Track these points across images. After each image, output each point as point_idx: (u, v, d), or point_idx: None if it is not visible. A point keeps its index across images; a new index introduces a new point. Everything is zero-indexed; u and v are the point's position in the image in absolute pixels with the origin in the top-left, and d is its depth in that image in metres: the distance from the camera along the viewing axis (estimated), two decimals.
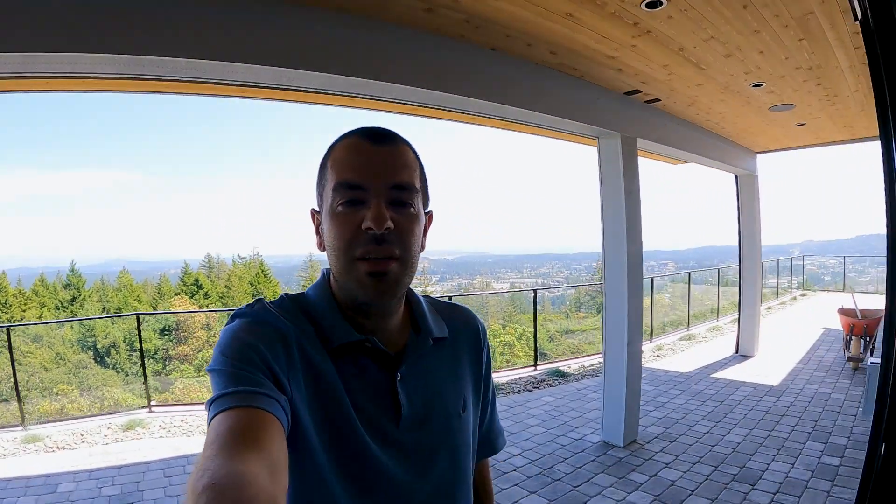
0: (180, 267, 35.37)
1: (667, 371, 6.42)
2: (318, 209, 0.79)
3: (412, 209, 0.74)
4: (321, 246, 0.78)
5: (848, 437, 4.13)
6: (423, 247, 0.79)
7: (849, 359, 5.90)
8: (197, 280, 34.90)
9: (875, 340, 5.85)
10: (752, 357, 6.89)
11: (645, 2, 2.48)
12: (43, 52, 1.82)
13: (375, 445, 0.73)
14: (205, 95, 2.91)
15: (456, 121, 4.17)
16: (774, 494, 3.32)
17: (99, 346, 20.60)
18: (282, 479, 0.56)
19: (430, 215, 0.82)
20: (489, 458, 1.03)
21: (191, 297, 32.33)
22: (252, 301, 0.77)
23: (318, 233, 0.80)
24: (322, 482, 0.71)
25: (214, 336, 24.46)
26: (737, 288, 11.10)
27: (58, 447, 4.30)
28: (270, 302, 0.78)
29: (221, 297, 34.93)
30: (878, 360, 2.76)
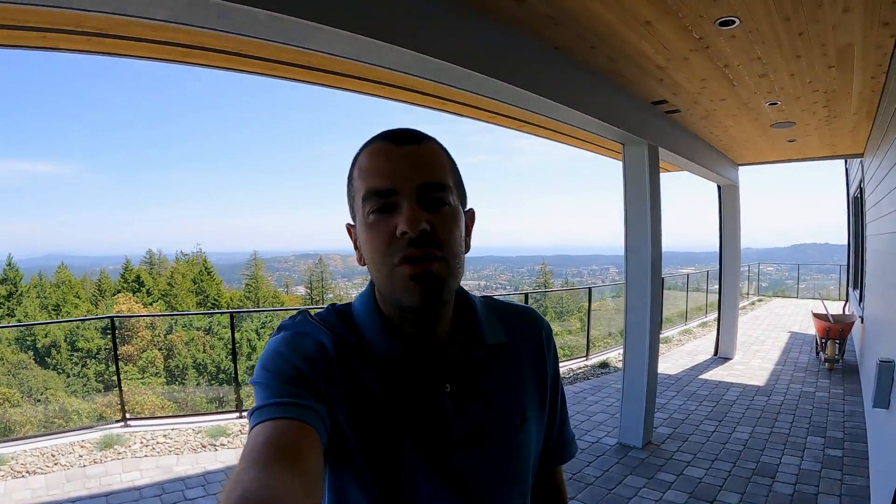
0: (121, 263, 33.62)
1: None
2: (352, 223, 0.76)
3: (447, 207, 0.70)
4: (361, 260, 0.74)
5: (843, 431, 4.46)
6: (467, 247, 0.75)
7: (825, 360, 6.33)
8: (139, 277, 33.49)
9: (846, 343, 6.31)
10: (731, 359, 7.26)
11: (720, 20, 2.58)
12: None
13: (424, 462, 0.71)
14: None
15: (494, 123, 4.21)
16: (795, 485, 3.54)
17: (39, 346, 19.24)
18: (316, 492, 0.56)
19: (470, 213, 0.78)
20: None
21: (133, 295, 30.78)
22: (296, 313, 0.77)
23: (356, 247, 0.76)
24: (366, 497, 0.70)
25: (158, 335, 23.36)
26: (697, 293, 11.79)
27: (28, 471, 3.78)
28: (316, 314, 0.77)
29: (164, 295, 33.64)
30: (889, 359, 3.00)
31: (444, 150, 0.74)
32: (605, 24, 2.63)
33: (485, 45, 2.56)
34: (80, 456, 4.11)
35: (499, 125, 4.29)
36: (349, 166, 0.74)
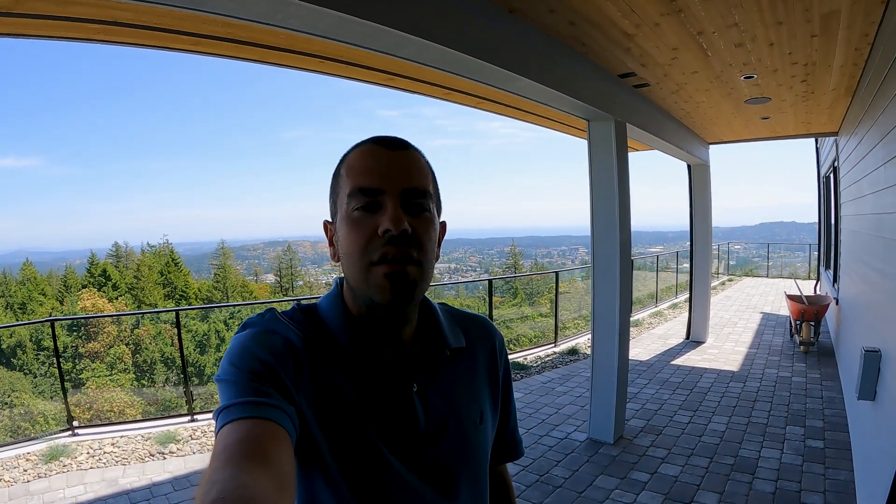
0: (86, 257, 32.50)
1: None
2: (330, 220, 0.78)
3: (427, 213, 0.73)
4: (336, 257, 0.76)
5: (823, 420, 4.30)
6: (437, 256, 0.77)
7: (800, 343, 6.21)
8: (105, 271, 32.54)
9: (820, 325, 6.20)
10: (704, 343, 7.12)
11: None
12: None
13: (394, 459, 0.71)
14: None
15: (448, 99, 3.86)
16: (777, 482, 3.34)
17: (4, 347, 18.44)
18: (289, 492, 0.55)
19: (443, 225, 0.81)
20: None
21: (99, 290, 29.85)
22: (265, 310, 0.76)
23: (332, 244, 0.77)
24: (335, 496, 0.69)
25: (125, 331, 22.61)
26: (666, 273, 11.69)
27: None
28: (282, 312, 0.77)
29: (131, 289, 32.71)
30: (875, 348, 2.79)
31: (427, 160, 0.77)
32: None
33: (423, 4, 2.19)
34: (25, 470, 3.84)
35: (455, 102, 3.94)
36: (336, 165, 0.76)
